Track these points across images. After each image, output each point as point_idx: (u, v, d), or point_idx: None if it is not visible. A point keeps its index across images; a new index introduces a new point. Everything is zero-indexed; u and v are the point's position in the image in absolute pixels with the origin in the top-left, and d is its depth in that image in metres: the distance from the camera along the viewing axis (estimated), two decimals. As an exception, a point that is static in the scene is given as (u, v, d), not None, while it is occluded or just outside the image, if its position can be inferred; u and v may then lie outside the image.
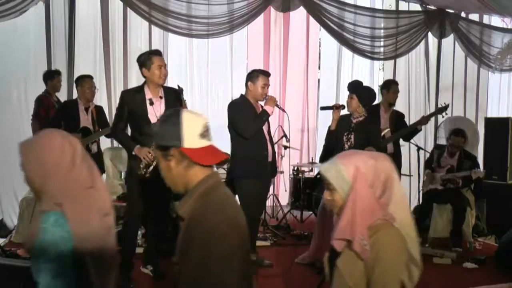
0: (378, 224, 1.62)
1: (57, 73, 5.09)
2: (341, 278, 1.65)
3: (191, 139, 1.50)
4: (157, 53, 3.61)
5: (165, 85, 3.74)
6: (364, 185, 1.61)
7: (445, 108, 5.27)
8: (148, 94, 3.59)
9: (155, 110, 3.57)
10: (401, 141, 5.63)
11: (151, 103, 3.56)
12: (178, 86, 3.71)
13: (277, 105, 4.12)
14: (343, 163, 1.66)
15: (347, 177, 1.63)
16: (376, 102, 4.78)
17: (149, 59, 3.51)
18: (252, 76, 4.07)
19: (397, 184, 1.68)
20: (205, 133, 1.53)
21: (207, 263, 1.38)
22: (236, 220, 1.50)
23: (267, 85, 4.07)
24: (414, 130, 5.10)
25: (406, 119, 5.45)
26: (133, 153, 3.50)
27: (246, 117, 4.00)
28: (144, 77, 3.59)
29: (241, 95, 4.17)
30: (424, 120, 5.09)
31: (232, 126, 4.03)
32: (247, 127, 3.96)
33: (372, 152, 1.81)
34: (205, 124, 1.54)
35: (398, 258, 1.62)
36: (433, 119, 7.21)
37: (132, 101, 3.56)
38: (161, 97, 3.63)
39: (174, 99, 3.68)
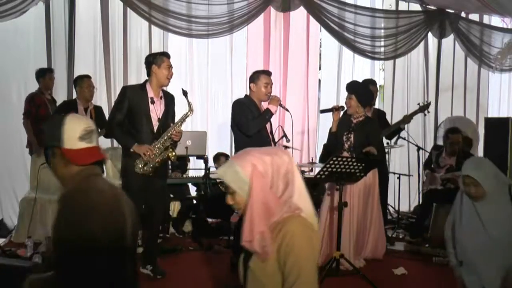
0: (285, 218, 1.60)
1: (49, 70, 5.07)
2: (254, 278, 1.64)
3: (70, 141, 1.74)
4: (168, 55, 3.73)
5: (182, 88, 3.84)
6: (262, 182, 1.60)
7: (427, 106, 5.32)
8: (150, 93, 3.65)
9: (156, 109, 3.61)
10: (401, 141, 5.64)
11: (152, 102, 3.62)
12: (183, 89, 3.77)
13: (280, 105, 4.15)
14: (239, 163, 1.63)
15: (245, 177, 1.60)
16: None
17: (160, 58, 3.63)
18: (253, 77, 4.10)
19: (297, 176, 1.67)
20: (85, 136, 1.75)
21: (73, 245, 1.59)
22: (100, 205, 1.66)
23: (269, 84, 4.09)
24: (397, 129, 5.11)
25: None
26: (132, 150, 3.50)
27: (249, 115, 4.03)
28: (150, 75, 3.66)
29: (246, 95, 4.20)
30: (407, 118, 5.09)
31: (235, 124, 4.04)
32: (250, 125, 3.98)
33: (268, 148, 1.80)
34: (86, 128, 1.76)
35: (308, 245, 1.59)
36: (433, 119, 7.25)
37: (134, 97, 3.60)
38: (161, 98, 3.70)
39: (171, 102, 3.81)
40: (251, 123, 3.98)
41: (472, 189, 2.72)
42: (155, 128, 3.65)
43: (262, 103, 4.17)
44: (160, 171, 3.69)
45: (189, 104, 3.69)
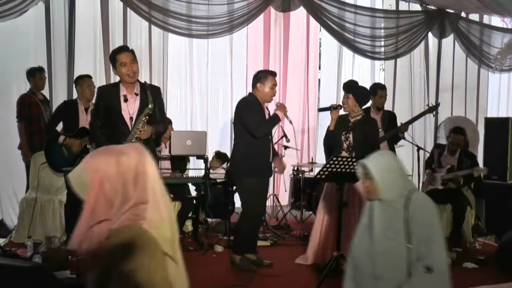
0: (124, 226, 1.48)
1: (39, 70, 5.04)
2: None
3: None
4: (121, 50, 3.53)
5: (145, 82, 3.65)
6: (98, 188, 1.48)
7: (435, 107, 5.31)
8: (123, 91, 3.54)
9: (129, 107, 3.51)
10: (401, 141, 5.63)
11: (125, 100, 3.51)
12: (145, 82, 3.60)
13: (286, 115, 4.14)
14: (85, 166, 1.51)
15: (87, 181, 1.49)
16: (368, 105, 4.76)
17: (113, 58, 3.50)
18: (261, 77, 4.08)
19: (152, 179, 1.54)
20: None
21: None
22: None
23: (275, 85, 4.10)
24: (396, 136, 5.09)
25: (406, 119, 5.44)
26: None
27: (258, 117, 4.03)
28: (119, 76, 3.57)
29: (251, 94, 4.16)
30: (403, 127, 5.06)
31: (242, 124, 4.02)
32: (260, 127, 3.98)
33: (123, 147, 1.64)
34: None
35: (147, 259, 1.46)
36: (433, 119, 7.25)
37: (107, 96, 3.52)
38: (136, 94, 3.55)
39: (154, 96, 3.56)
40: (260, 125, 3.98)
41: (367, 183, 2.41)
42: (130, 125, 3.50)
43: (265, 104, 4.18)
44: None
45: (147, 98, 3.46)
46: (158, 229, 1.52)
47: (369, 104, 4.70)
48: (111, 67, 3.72)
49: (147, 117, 3.47)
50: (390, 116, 5.18)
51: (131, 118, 3.50)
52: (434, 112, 5.39)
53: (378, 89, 5.12)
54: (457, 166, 5.13)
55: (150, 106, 3.46)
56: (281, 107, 4.11)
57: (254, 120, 3.99)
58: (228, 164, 4.88)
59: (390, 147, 5.04)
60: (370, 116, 4.52)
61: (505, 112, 8.13)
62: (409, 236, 2.29)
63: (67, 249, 4.23)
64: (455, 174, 5.02)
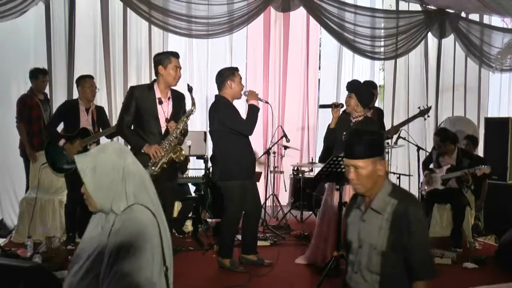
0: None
1: (42, 72, 5.03)
2: None
3: None
4: (177, 55, 3.66)
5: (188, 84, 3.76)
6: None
7: (427, 110, 5.32)
8: (158, 93, 3.60)
9: (164, 110, 3.59)
10: (401, 141, 5.63)
11: (160, 102, 3.58)
12: (188, 85, 3.69)
13: (259, 98, 4.10)
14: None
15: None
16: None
17: (167, 58, 3.57)
18: (229, 74, 4.01)
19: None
20: None
21: None
22: None
23: (241, 79, 4.09)
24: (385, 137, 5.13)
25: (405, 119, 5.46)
26: (143, 150, 3.48)
27: (240, 116, 4.01)
28: (157, 75, 3.62)
29: (220, 96, 4.05)
30: (393, 130, 5.09)
31: (229, 126, 3.96)
32: (247, 125, 3.96)
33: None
34: None
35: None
36: (433, 119, 7.25)
37: (143, 97, 3.56)
38: (169, 98, 3.66)
39: (180, 102, 3.74)
40: (247, 123, 3.95)
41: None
42: (163, 129, 3.60)
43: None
44: (169, 172, 3.61)
45: (193, 100, 3.62)
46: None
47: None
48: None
49: (188, 117, 3.64)
50: (379, 113, 5.21)
51: (166, 119, 3.61)
52: (426, 116, 5.38)
53: (369, 88, 5.13)
54: (456, 166, 5.12)
55: (194, 106, 3.61)
56: (252, 94, 4.05)
57: (240, 121, 3.96)
58: (211, 170, 4.83)
59: None
60: (371, 117, 4.50)
61: (506, 112, 8.14)
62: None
63: (67, 249, 4.25)
64: (464, 171, 4.96)
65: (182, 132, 3.63)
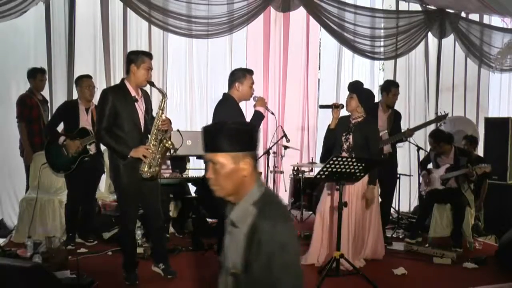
0: None
1: (41, 71, 5.03)
2: None
3: None
4: (150, 56, 3.62)
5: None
6: None
7: (444, 116, 5.25)
8: (132, 92, 3.56)
9: (140, 108, 3.56)
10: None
11: (135, 100, 3.55)
12: (148, 81, 3.61)
13: (267, 107, 4.02)
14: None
15: None
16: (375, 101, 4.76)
17: (141, 58, 3.53)
18: (239, 76, 3.88)
19: None
20: None
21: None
22: None
23: (253, 84, 3.97)
24: (400, 139, 5.10)
25: (406, 119, 5.45)
26: (129, 156, 3.41)
27: (243, 117, 3.97)
28: (128, 73, 3.57)
29: (228, 94, 3.95)
30: (409, 132, 5.04)
31: None
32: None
33: None
34: None
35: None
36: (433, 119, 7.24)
37: (118, 98, 3.49)
38: (141, 96, 3.64)
39: (148, 99, 3.76)
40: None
41: None
42: (142, 127, 3.57)
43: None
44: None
45: (160, 91, 3.59)
46: None
47: (376, 100, 4.66)
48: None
49: (164, 107, 3.57)
50: (396, 116, 5.17)
51: (145, 117, 3.60)
52: (442, 122, 5.32)
53: (392, 87, 5.08)
54: (454, 165, 5.12)
55: (164, 95, 3.57)
56: (261, 101, 3.94)
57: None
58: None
59: (392, 146, 5.06)
60: (371, 118, 4.46)
61: (506, 112, 8.14)
62: None
63: (67, 249, 4.25)
64: (469, 169, 4.94)
65: (164, 123, 3.55)
